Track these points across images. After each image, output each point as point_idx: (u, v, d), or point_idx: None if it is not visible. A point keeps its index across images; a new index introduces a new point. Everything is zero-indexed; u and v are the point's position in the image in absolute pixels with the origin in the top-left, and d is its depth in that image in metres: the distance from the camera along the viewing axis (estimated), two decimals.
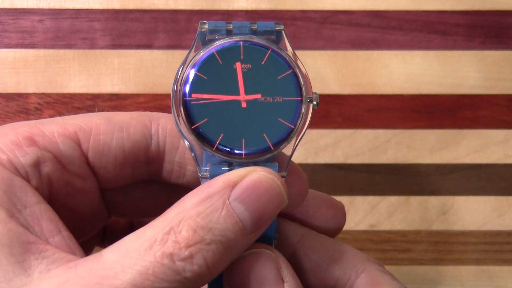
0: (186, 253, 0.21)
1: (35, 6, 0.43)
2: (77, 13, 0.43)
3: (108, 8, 0.43)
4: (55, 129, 0.25)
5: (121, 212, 0.30)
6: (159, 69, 0.43)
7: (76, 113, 0.43)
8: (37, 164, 0.24)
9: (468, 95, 0.43)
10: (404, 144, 0.43)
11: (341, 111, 0.43)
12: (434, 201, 0.43)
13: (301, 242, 0.28)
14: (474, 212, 0.43)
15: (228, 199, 0.22)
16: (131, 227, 0.33)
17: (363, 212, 0.43)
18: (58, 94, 0.43)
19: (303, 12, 0.43)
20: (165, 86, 0.43)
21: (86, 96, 0.43)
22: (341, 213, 0.29)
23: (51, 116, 0.43)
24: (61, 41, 0.43)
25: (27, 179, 0.24)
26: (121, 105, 0.43)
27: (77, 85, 0.43)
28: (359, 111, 0.43)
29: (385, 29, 0.44)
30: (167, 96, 0.43)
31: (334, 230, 0.29)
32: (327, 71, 0.43)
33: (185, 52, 0.43)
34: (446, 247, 0.43)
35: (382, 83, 0.43)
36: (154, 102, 0.43)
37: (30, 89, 0.43)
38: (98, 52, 0.43)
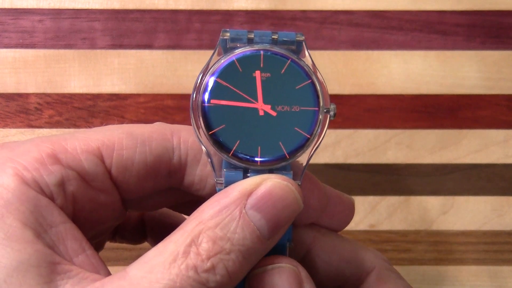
0: (208, 264, 0.22)
1: (35, 6, 0.43)
2: (77, 13, 0.43)
3: (108, 8, 0.43)
4: (78, 146, 0.25)
5: (139, 210, 0.30)
6: (159, 69, 0.43)
7: (76, 113, 0.43)
8: (61, 184, 0.24)
9: (468, 95, 0.43)
10: (404, 144, 0.43)
11: (341, 111, 0.43)
12: (434, 201, 0.43)
13: (313, 244, 0.28)
14: (474, 212, 0.43)
15: (244, 208, 0.23)
16: (142, 221, 0.33)
17: (363, 212, 0.43)
18: (58, 94, 0.43)
19: (303, 12, 0.43)
20: (165, 86, 0.43)
21: (86, 96, 0.43)
22: (348, 209, 0.29)
23: (51, 116, 0.43)
24: (61, 41, 0.43)
25: (51, 198, 0.24)
26: (121, 105, 0.43)
27: (77, 85, 0.43)
28: (359, 111, 0.43)
29: (385, 29, 0.44)
30: (167, 96, 0.43)
31: (340, 226, 0.29)
32: (327, 71, 0.43)
33: (185, 52, 0.43)
34: (446, 247, 0.43)
35: (382, 83, 0.43)
36: (154, 102, 0.43)
37: (30, 89, 0.43)
38: (98, 52, 0.43)
